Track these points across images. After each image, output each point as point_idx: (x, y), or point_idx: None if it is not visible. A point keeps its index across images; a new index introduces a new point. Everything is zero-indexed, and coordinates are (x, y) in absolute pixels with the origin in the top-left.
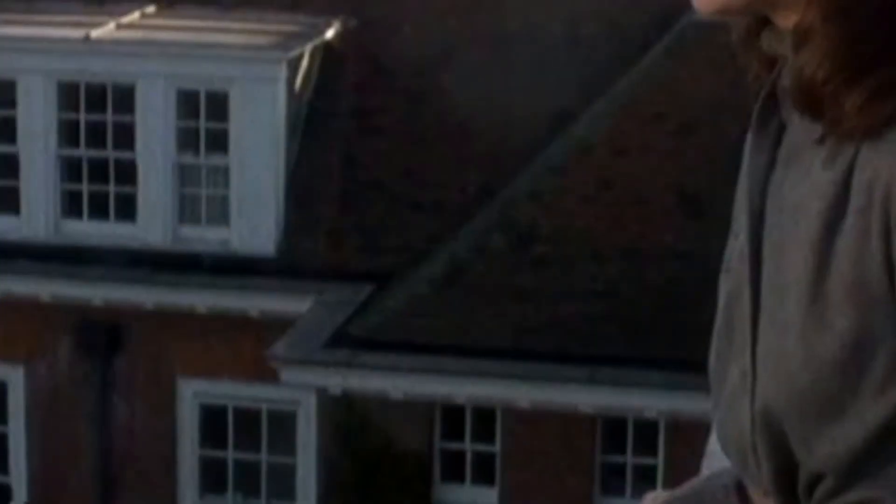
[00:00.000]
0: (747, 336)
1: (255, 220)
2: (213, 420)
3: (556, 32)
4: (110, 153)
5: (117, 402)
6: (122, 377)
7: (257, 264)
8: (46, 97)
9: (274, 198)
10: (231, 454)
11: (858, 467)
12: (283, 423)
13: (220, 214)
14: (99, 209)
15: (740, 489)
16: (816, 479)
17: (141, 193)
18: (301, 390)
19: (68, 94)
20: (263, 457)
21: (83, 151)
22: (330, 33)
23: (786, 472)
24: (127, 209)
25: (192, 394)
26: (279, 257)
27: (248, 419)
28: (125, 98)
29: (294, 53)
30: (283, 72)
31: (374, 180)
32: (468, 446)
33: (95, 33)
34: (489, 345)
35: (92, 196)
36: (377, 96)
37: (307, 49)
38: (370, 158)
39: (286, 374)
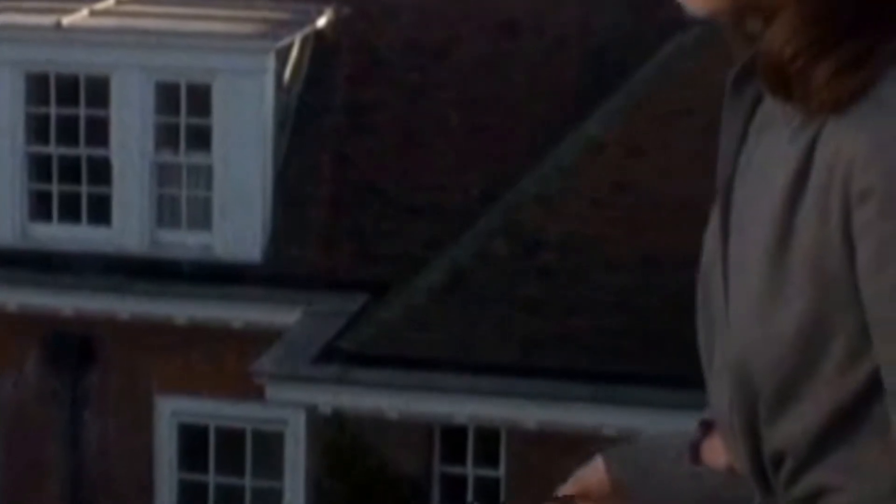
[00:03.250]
0: (722, 312)
1: (239, 223)
2: (193, 440)
3: (566, 21)
4: (83, 150)
5: (89, 420)
6: (95, 393)
7: (242, 272)
8: (13, 89)
9: (260, 200)
10: (212, 478)
11: (816, 450)
12: (269, 445)
13: (202, 218)
14: (70, 211)
15: (693, 450)
16: (779, 461)
17: (116, 194)
18: (288, 409)
19: (37, 86)
20: (248, 481)
21: (53, 149)
22: (322, 21)
23: (758, 454)
24: (100, 211)
25: (170, 412)
26: (266, 264)
27: (230, 440)
28: (99, 91)
29: (283, 43)
30: (270, 63)
31: (368, 181)
32: (470, 470)
33: (67, 20)
34: (492, 360)
35: (63, 197)
36: (372, 90)
37: (297, 38)
38: (364, 158)
39: (272, 391)
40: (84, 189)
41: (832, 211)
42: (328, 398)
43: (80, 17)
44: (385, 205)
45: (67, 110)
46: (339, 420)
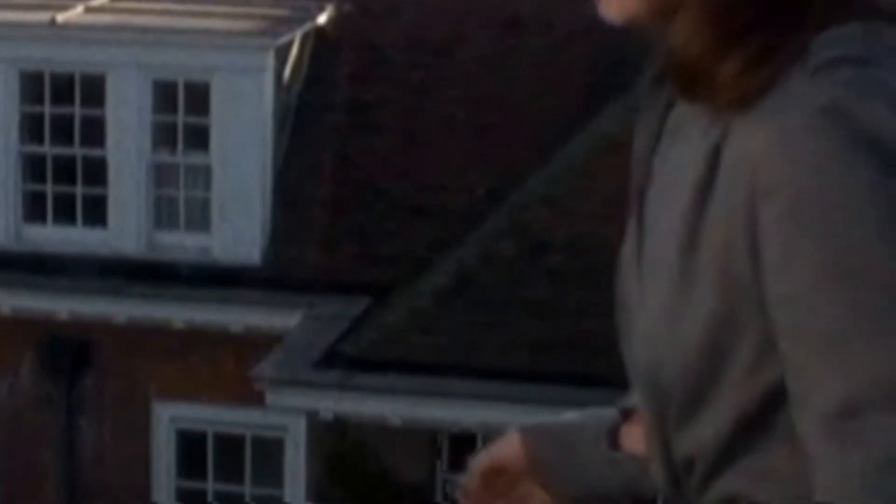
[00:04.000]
0: (635, 316)
1: (238, 225)
2: (191, 447)
3: (574, 17)
4: (78, 150)
5: (85, 426)
6: (91, 399)
7: (241, 274)
8: (7, 88)
9: (260, 201)
10: (211, 485)
11: (725, 456)
12: (269, 451)
13: (200, 219)
14: (65, 213)
15: (612, 436)
16: (690, 468)
17: (112, 195)
18: (289, 415)
19: (31, 84)
20: (247, 488)
21: (48, 148)
22: (322, 18)
23: (671, 460)
24: (96, 213)
25: (168, 418)
26: (265, 267)
27: (230, 446)
28: (95, 89)
29: (283, 40)
30: (270, 61)
31: (370, 181)
32: None
33: (62, 17)
34: (500, 365)
35: (57, 198)
36: (374, 88)
37: (297, 35)
38: (366, 157)
39: (272, 397)
40: (79, 190)
41: (738, 210)
42: (329, 404)
43: (75, 13)
44: (387, 205)
45: (62, 109)
46: (340, 426)
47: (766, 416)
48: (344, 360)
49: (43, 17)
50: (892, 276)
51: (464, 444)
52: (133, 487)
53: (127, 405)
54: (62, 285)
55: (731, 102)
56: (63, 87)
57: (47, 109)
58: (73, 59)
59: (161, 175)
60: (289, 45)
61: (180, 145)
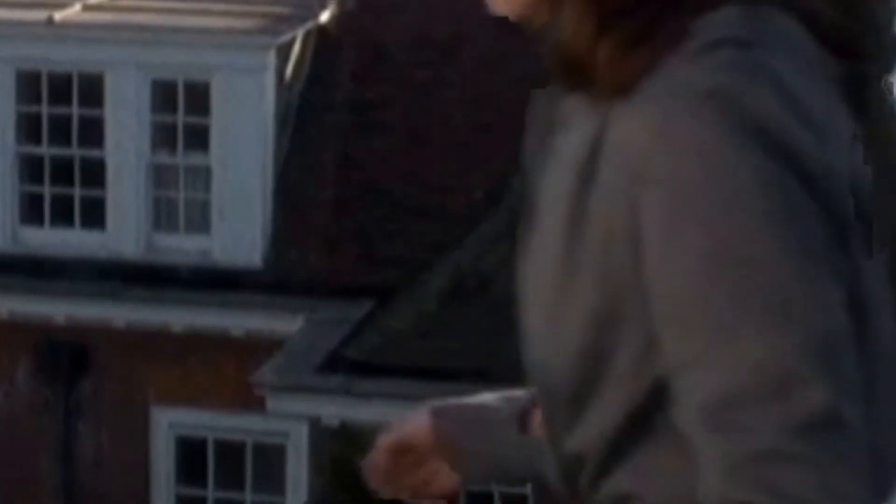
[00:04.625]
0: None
1: (239, 227)
2: (190, 453)
3: None
4: (76, 151)
5: (83, 432)
6: (89, 404)
7: (241, 277)
8: (4, 88)
9: (261, 202)
10: (211, 492)
11: (613, 455)
12: (270, 458)
13: (200, 221)
14: (63, 215)
15: (521, 419)
16: (581, 467)
17: (110, 197)
18: (290, 420)
19: (29, 84)
20: (248, 495)
21: (45, 149)
22: (324, 16)
23: (563, 460)
24: (94, 215)
25: (167, 424)
26: (266, 269)
27: (230, 453)
28: (93, 89)
29: (284, 39)
30: (271, 60)
31: (373, 182)
32: (494, 486)
33: (59, 16)
34: (508, 369)
35: (55, 200)
36: (377, 88)
37: (299, 34)
38: (369, 158)
39: (274, 402)
40: (77, 191)
41: (619, 200)
42: (332, 409)
43: (73, 12)
44: (390, 206)
45: (60, 109)
46: (343, 432)
47: (652, 413)
48: (347, 365)
49: (40, 15)
50: (773, 268)
51: None
52: (132, 494)
53: (126, 410)
54: (60, 288)
55: (609, 89)
56: (61, 87)
57: (45, 109)
58: (70, 59)
59: (160, 176)
60: (290, 44)
61: (180, 146)
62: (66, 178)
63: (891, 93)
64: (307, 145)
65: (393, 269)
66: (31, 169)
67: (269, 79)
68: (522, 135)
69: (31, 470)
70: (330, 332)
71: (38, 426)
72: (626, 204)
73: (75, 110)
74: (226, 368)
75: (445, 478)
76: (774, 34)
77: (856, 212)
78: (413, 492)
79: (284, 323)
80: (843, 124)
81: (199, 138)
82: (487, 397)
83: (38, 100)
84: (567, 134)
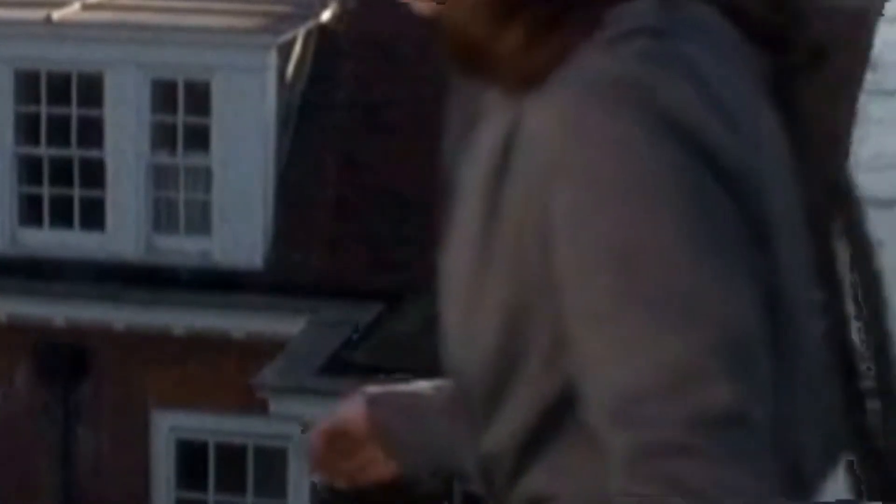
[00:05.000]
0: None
1: (240, 228)
2: (191, 457)
3: None
4: (75, 152)
5: (82, 435)
6: (88, 408)
7: (243, 279)
8: (2, 88)
9: (262, 203)
10: (212, 496)
11: (527, 454)
12: (272, 461)
13: (201, 222)
14: (62, 216)
15: (454, 410)
16: (496, 466)
17: (110, 198)
18: (292, 423)
19: (27, 83)
20: (249, 499)
21: (44, 150)
22: (326, 15)
23: (481, 458)
24: (94, 216)
25: (167, 427)
26: (267, 271)
27: (231, 456)
28: (92, 89)
29: (285, 38)
30: (272, 59)
31: (375, 183)
32: None
33: (58, 15)
34: None
35: (54, 201)
36: (381, 86)
37: (300, 33)
38: (373, 158)
39: (276, 405)
40: (76, 192)
41: (531, 193)
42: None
43: (72, 11)
44: (393, 207)
45: (59, 109)
46: None
47: (564, 411)
48: (353, 368)
49: (38, 14)
50: (684, 264)
51: None
52: (131, 499)
53: (125, 414)
54: (59, 290)
55: (519, 80)
56: (59, 87)
57: (43, 110)
58: (69, 58)
59: (160, 177)
60: (291, 43)
61: (180, 146)
62: (65, 179)
63: (821, 87)
64: (309, 145)
65: (395, 270)
66: (29, 170)
67: (271, 78)
68: None
69: (29, 474)
70: (332, 334)
71: (37, 429)
72: (538, 197)
73: (74, 110)
74: (227, 371)
75: (381, 465)
76: (692, 25)
77: (773, 208)
78: (348, 477)
79: (286, 325)
80: (763, 118)
81: (199, 138)
82: (423, 385)
83: (36, 100)
84: (486, 126)
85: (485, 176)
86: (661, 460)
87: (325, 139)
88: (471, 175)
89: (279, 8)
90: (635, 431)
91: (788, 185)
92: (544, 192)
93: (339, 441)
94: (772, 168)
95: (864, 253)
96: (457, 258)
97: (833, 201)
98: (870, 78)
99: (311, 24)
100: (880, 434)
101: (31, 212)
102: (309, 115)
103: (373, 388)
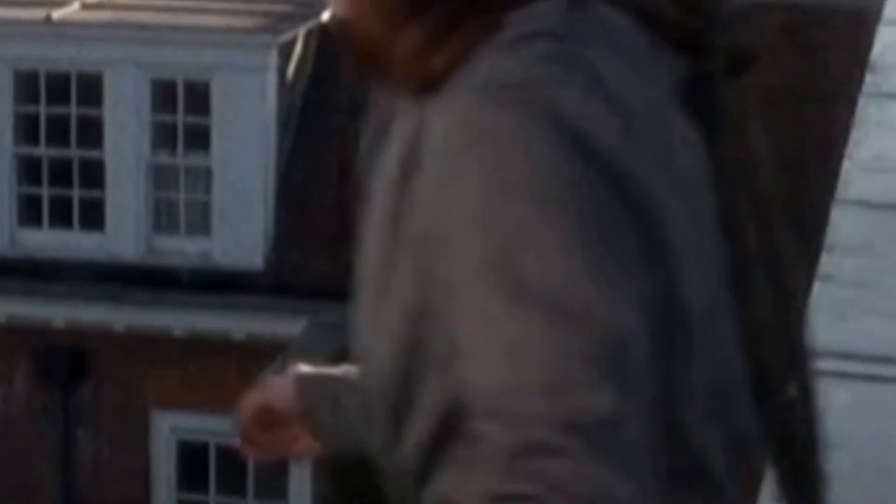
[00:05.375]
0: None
1: (240, 229)
2: (192, 459)
3: None
4: (74, 152)
5: (82, 437)
6: (88, 409)
7: (243, 280)
8: (1, 88)
9: (262, 204)
10: (213, 498)
11: (430, 465)
12: (273, 463)
13: (201, 223)
14: (61, 216)
15: None
16: (406, 477)
17: (109, 198)
18: None
19: (26, 83)
20: (250, 502)
21: (43, 150)
22: (327, 14)
23: (388, 466)
24: (93, 217)
25: (168, 428)
26: (268, 272)
27: (232, 458)
28: (92, 88)
29: (286, 37)
30: (273, 59)
31: None
32: None
33: (57, 14)
34: None
35: (53, 201)
36: None
37: (301, 32)
38: None
39: None
40: (76, 193)
41: (430, 197)
42: None
43: (72, 10)
44: None
45: (58, 109)
46: None
47: (462, 415)
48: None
49: (38, 14)
50: (565, 264)
51: None
52: (132, 501)
53: (125, 415)
54: (58, 292)
55: (418, 83)
56: (59, 87)
57: (43, 110)
58: (69, 58)
59: (160, 177)
60: (292, 43)
61: (180, 146)
62: (64, 180)
63: (744, 93)
64: (309, 146)
65: None
66: (29, 170)
67: (271, 78)
68: None
69: (28, 476)
70: (333, 335)
71: (36, 432)
72: (439, 200)
73: (74, 110)
74: (227, 372)
75: (303, 445)
76: (596, 29)
77: (671, 215)
78: (274, 454)
79: (287, 326)
80: (672, 125)
81: (199, 139)
82: (352, 370)
83: (35, 100)
84: (396, 130)
85: (392, 180)
86: (535, 459)
87: (325, 140)
88: (381, 179)
89: (280, 7)
90: (511, 430)
91: (697, 193)
92: (444, 195)
93: (266, 416)
94: (676, 174)
95: (777, 262)
96: (368, 260)
97: (752, 209)
98: (869, 80)
99: (311, 23)
100: (795, 436)
101: (30, 212)
102: (310, 115)
103: (304, 368)
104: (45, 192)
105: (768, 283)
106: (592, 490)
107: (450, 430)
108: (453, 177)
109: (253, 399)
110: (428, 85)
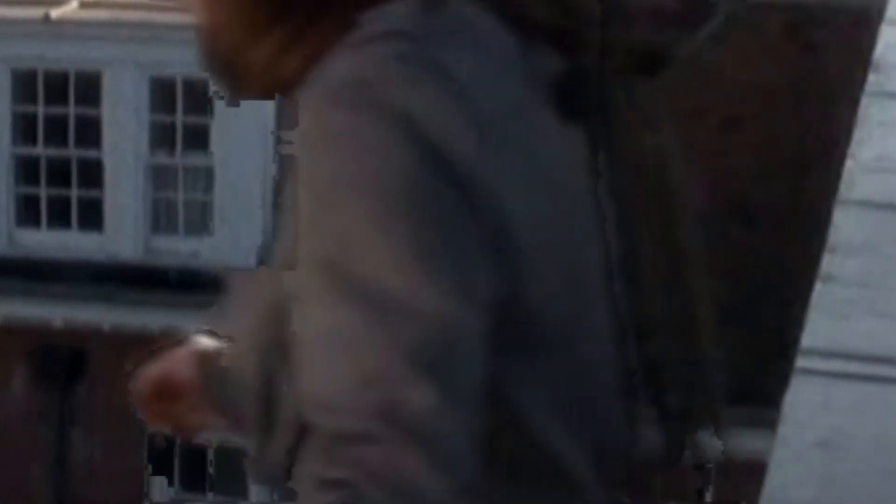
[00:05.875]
0: None
1: (240, 229)
2: (189, 461)
3: None
4: (73, 152)
5: (78, 439)
6: (85, 410)
7: None
8: None
9: (262, 204)
10: (210, 500)
11: (299, 452)
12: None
13: (200, 223)
14: (59, 217)
15: None
16: (274, 467)
17: (108, 198)
18: None
19: (24, 83)
20: (250, 501)
21: (41, 150)
22: None
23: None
24: (92, 217)
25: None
26: None
27: (231, 460)
28: (90, 88)
29: None
30: None
31: None
32: None
33: (56, 13)
34: None
35: (51, 201)
36: None
37: None
38: None
39: None
40: (74, 193)
41: (295, 197)
42: None
43: (70, 9)
44: None
45: (56, 109)
46: None
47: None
48: None
49: (36, 13)
50: (395, 264)
51: None
52: (128, 503)
53: (121, 417)
54: (56, 292)
55: (272, 87)
56: (57, 86)
57: (41, 109)
58: (67, 57)
59: (159, 177)
60: None
61: (179, 146)
62: (62, 180)
63: (628, 90)
64: None
65: None
66: (27, 170)
67: None
68: None
69: (24, 478)
70: None
71: (32, 434)
72: (298, 201)
73: (72, 110)
74: None
75: (197, 418)
76: (454, 29)
77: (527, 218)
78: (172, 425)
79: None
80: (536, 123)
81: (198, 138)
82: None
83: (33, 99)
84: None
85: (294, 184)
86: (353, 447)
87: None
88: (290, 184)
89: None
90: (334, 420)
91: (566, 192)
92: (300, 196)
93: (165, 387)
94: (537, 174)
95: (679, 260)
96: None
97: (653, 207)
98: (872, 80)
99: None
100: (670, 439)
101: (28, 212)
102: None
103: (204, 340)
104: (44, 192)
105: (667, 281)
106: (400, 477)
107: (306, 425)
108: (305, 177)
109: (153, 370)
110: (281, 87)
